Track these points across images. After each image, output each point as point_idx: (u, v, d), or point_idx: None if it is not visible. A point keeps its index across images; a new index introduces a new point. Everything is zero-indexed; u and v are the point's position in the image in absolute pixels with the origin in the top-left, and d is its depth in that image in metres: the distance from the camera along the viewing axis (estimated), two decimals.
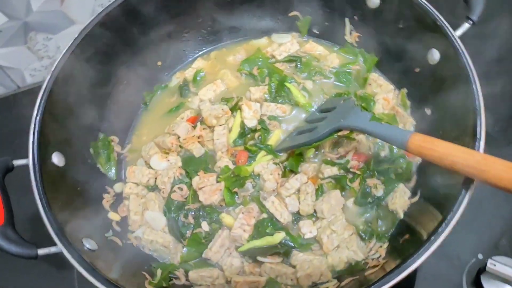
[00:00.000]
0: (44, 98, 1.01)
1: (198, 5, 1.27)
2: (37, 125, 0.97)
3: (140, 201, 1.11)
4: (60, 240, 0.87)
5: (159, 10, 1.22)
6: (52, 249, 0.87)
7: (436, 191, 0.98)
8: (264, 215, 1.06)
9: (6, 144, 1.42)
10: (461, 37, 1.00)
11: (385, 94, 1.18)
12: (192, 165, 1.13)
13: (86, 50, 1.10)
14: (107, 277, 0.86)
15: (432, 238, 0.82)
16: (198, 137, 1.16)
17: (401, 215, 1.04)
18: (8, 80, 1.54)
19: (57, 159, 1.01)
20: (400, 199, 1.04)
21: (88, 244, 0.93)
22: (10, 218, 0.87)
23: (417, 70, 1.13)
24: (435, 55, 1.06)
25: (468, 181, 0.85)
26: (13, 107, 1.54)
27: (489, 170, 0.77)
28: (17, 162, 0.95)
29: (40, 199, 0.90)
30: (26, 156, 0.94)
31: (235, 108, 1.19)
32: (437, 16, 1.03)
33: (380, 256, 0.98)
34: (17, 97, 1.57)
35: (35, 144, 0.95)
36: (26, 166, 0.94)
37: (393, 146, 1.11)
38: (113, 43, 1.18)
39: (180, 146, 1.16)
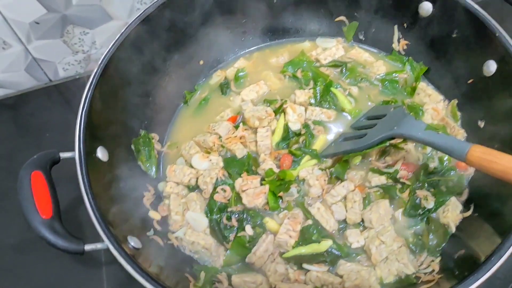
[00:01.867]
0: (90, 93, 0.99)
1: (243, 6, 1.26)
2: (83, 119, 0.96)
3: (180, 201, 1.10)
4: (107, 237, 0.85)
5: (203, 10, 1.21)
6: (99, 245, 0.85)
7: (490, 206, 0.96)
8: (309, 222, 1.04)
9: (36, 135, 1.41)
10: None
11: (434, 104, 1.16)
12: (235, 167, 1.11)
13: (131, 46, 1.10)
14: (151, 274, 0.84)
15: (493, 258, 0.80)
16: (241, 138, 1.14)
17: (453, 229, 1.01)
18: (41, 73, 1.53)
19: (101, 154, 0.99)
20: (452, 213, 1.01)
21: (133, 242, 0.91)
22: (58, 211, 0.86)
23: (470, 81, 1.11)
24: (491, 67, 1.04)
25: None
26: (43, 100, 1.53)
27: None
28: (64, 155, 0.93)
29: (86, 193, 0.89)
30: (63, 150, 0.93)
31: (278, 111, 1.18)
32: (496, 26, 1.01)
33: (433, 270, 0.95)
34: (49, 90, 1.55)
35: (81, 137, 0.94)
36: (70, 160, 0.93)
37: (444, 159, 1.09)
38: (156, 41, 1.17)
39: (222, 146, 1.14)
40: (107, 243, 0.84)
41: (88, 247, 0.84)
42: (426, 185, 1.06)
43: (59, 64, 1.52)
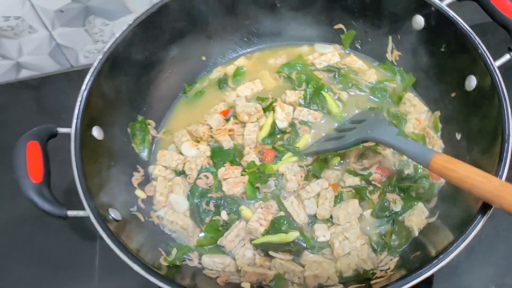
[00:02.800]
0: (94, 76, 1.07)
1: (248, 7, 1.32)
2: (83, 99, 1.04)
3: (166, 184, 1.17)
4: (88, 206, 0.92)
5: (211, 8, 1.27)
6: (81, 213, 0.93)
7: (454, 214, 0.99)
8: (282, 213, 1.09)
9: (54, 115, 1.50)
10: (500, 67, 1.01)
11: (418, 115, 1.19)
12: (220, 157, 1.18)
13: (137, 37, 1.17)
14: (127, 246, 0.91)
15: (441, 256, 0.84)
16: (230, 130, 1.20)
17: (416, 233, 1.04)
18: (63, 58, 1.63)
19: (97, 132, 1.07)
20: (417, 217, 1.05)
21: (113, 213, 0.99)
22: (47, 178, 0.94)
23: (453, 94, 1.14)
24: (472, 82, 1.06)
25: (485, 207, 0.86)
26: (64, 84, 1.63)
27: (505, 197, 0.78)
28: (61, 130, 1.02)
29: (76, 166, 0.96)
30: (70, 126, 1.02)
31: (268, 108, 1.24)
32: (479, 44, 1.04)
33: (388, 268, 0.99)
34: (69, 75, 1.65)
35: (79, 116, 1.02)
36: (68, 135, 1.01)
37: (418, 166, 1.12)
38: (163, 34, 1.24)
39: (211, 137, 1.21)
40: (88, 211, 0.92)
41: (71, 213, 0.92)
42: (397, 189, 1.10)
43: (80, 51, 1.61)
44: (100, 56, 1.11)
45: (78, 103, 1.04)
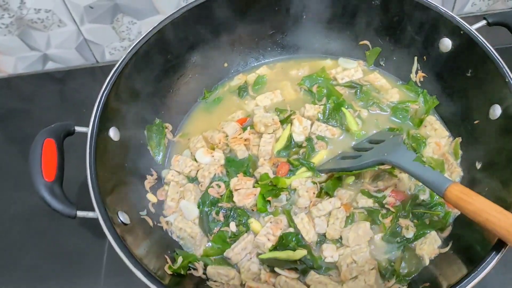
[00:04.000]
0: (115, 77, 1.08)
1: (273, 18, 1.32)
2: (103, 99, 1.05)
3: (178, 189, 1.17)
4: (98, 208, 0.93)
5: (237, 16, 1.28)
6: (90, 214, 0.93)
7: (468, 246, 0.96)
8: (291, 229, 1.08)
9: (76, 109, 1.52)
10: None
11: (438, 139, 1.16)
12: (234, 166, 1.17)
13: (162, 40, 1.18)
14: (132, 252, 0.91)
15: None
16: (245, 140, 1.20)
17: (427, 262, 1.02)
18: (89, 53, 1.65)
19: (113, 133, 1.08)
20: (429, 246, 1.02)
21: (123, 217, 0.99)
22: (60, 177, 0.95)
23: (476, 121, 1.11)
24: (497, 111, 1.04)
25: (500, 243, 0.83)
26: (88, 78, 1.66)
27: None
28: (78, 129, 1.03)
29: (90, 166, 0.97)
30: (88, 125, 1.02)
31: (286, 121, 1.23)
32: (507, 72, 1.01)
33: None
34: (94, 70, 1.68)
35: (98, 116, 1.03)
36: (85, 134, 1.02)
37: (435, 193, 1.09)
38: (187, 38, 1.25)
39: (227, 145, 1.21)
40: (97, 213, 0.93)
41: (80, 213, 0.92)
42: (410, 215, 1.07)
43: (106, 47, 1.63)
44: (123, 57, 1.11)
45: (96, 104, 1.05)
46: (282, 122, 1.22)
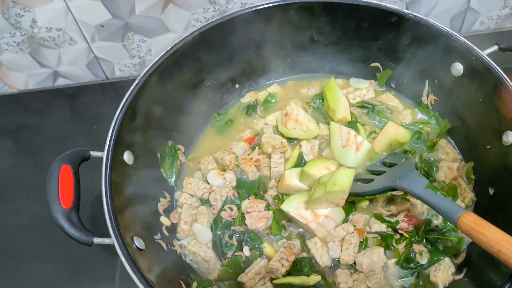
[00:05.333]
0: (129, 100, 1.08)
1: (284, 40, 1.32)
2: (117, 124, 1.05)
3: (191, 212, 1.17)
4: (114, 235, 0.93)
5: (248, 38, 1.28)
6: (106, 240, 0.93)
7: (483, 274, 0.96)
8: (304, 254, 1.08)
9: (87, 124, 1.55)
10: None
11: (450, 163, 1.17)
12: (245, 188, 1.18)
13: (174, 63, 1.18)
14: (147, 277, 0.91)
15: None
16: (256, 161, 1.20)
17: None
18: (100, 70, 1.66)
19: (127, 157, 1.08)
20: (444, 273, 1.03)
21: (138, 242, 0.99)
22: (77, 204, 0.95)
23: (488, 147, 1.11)
24: (510, 137, 1.04)
25: None
26: (98, 94, 1.67)
27: None
28: (94, 154, 1.03)
29: (105, 193, 0.97)
30: (100, 146, 1.02)
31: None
32: None
33: None
34: (104, 87, 1.69)
35: (112, 141, 1.03)
36: (99, 158, 1.02)
37: None
38: (199, 60, 1.25)
39: (237, 166, 1.21)
40: (113, 239, 0.93)
41: (96, 240, 0.93)
42: (424, 240, 1.07)
43: (116, 64, 1.65)
44: (136, 81, 1.12)
45: (111, 128, 1.05)
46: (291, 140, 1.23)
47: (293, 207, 1.09)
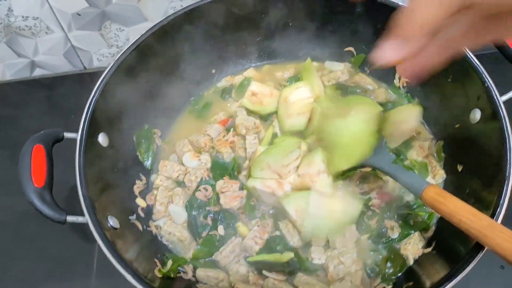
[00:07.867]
0: (103, 83, 1.09)
1: (260, 24, 1.34)
2: (92, 105, 1.05)
3: (167, 194, 1.18)
4: (88, 212, 0.94)
5: (223, 23, 1.29)
6: (80, 219, 0.94)
7: (450, 247, 0.99)
8: (278, 233, 1.10)
9: (64, 115, 1.54)
10: (506, 103, 1.01)
11: (421, 142, 1.19)
12: (219, 169, 1.19)
13: (149, 47, 1.19)
14: (122, 255, 0.92)
15: None
16: (231, 142, 1.22)
17: (411, 262, 1.04)
18: (77, 60, 1.66)
19: (102, 139, 1.09)
20: (413, 246, 1.05)
21: (112, 221, 1.00)
22: (50, 183, 0.95)
23: (457, 125, 1.14)
24: (476, 115, 1.06)
25: (480, 245, 0.86)
26: (76, 85, 1.66)
27: (492, 237, 0.78)
28: (67, 135, 1.04)
29: (79, 172, 0.98)
30: (76, 131, 1.03)
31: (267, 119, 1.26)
32: (486, 77, 1.04)
33: None
34: (82, 77, 1.68)
35: (87, 122, 1.03)
36: (74, 140, 1.02)
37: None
38: (175, 45, 1.26)
39: (213, 147, 1.22)
40: (87, 217, 0.94)
41: (70, 218, 0.93)
42: (395, 216, 1.10)
43: (94, 54, 1.64)
44: (111, 64, 1.12)
45: (85, 110, 1.05)
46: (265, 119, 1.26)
47: (257, 181, 1.10)
